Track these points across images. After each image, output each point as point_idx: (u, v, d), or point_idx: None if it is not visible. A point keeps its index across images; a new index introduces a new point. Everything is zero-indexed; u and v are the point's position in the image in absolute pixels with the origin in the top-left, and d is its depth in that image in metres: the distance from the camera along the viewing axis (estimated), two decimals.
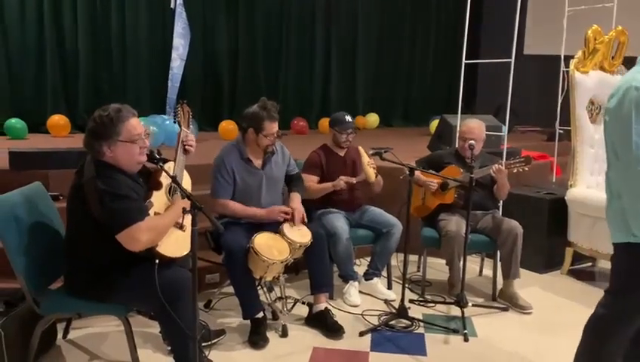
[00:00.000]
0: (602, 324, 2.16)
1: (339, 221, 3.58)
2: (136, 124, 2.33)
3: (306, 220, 3.26)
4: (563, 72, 4.86)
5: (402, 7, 9.69)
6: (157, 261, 2.27)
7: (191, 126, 2.96)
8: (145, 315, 3.14)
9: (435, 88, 10.22)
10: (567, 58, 4.47)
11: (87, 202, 2.23)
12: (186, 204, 2.05)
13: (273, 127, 3.17)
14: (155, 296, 2.19)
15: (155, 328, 2.90)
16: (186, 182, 2.68)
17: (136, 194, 2.31)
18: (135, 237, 2.19)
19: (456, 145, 3.93)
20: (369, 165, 3.53)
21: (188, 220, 2.34)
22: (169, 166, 2.55)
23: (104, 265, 2.31)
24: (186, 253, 2.40)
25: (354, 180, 3.56)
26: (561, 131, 5.11)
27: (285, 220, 3.18)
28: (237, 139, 3.34)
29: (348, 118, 3.74)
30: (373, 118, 8.95)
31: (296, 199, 3.32)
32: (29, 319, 2.44)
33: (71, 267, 2.39)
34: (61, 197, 3.46)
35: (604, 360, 2.14)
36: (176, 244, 2.40)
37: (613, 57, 4.35)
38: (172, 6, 6.23)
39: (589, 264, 4.52)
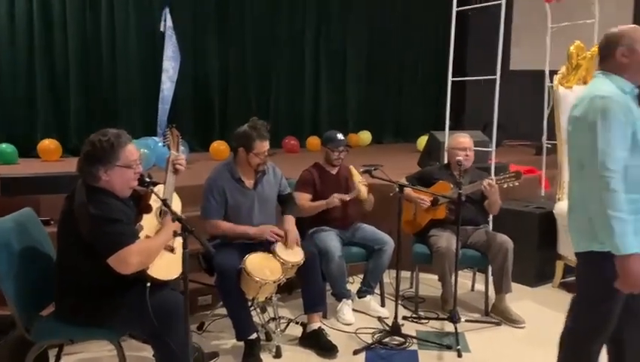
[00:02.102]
0: (574, 338, 2.18)
1: (331, 239, 3.60)
2: (133, 150, 2.36)
3: (299, 243, 3.26)
4: (548, 87, 4.94)
5: (390, 26, 9.82)
6: (148, 284, 2.27)
7: (181, 148, 2.98)
8: (138, 339, 3.11)
9: (425, 105, 10.31)
10: (552, 73, 4.56)
11: (78, 227, 2.23)
12: (177, 226, 2.06)
13: (263, 145, 3.19)
14: (147, 319, 2.19)
15: (148, 352, 2.87)
16: (176, 205, 2.69)
17: (127, 218, 2.32)
18: (126, 260, 2.20)
19: (445, 161, 3.96)
20: (360, 183, 3.56)
21: (179, 242, 2.35)
22: (159, 189, 2.56)
23: (95, 290, 2.30)
24: (177, 275, 2.41)
25: (347, 197, 3.59)
26: (549, 145, 5.17)
27: (277, 241, 3.19)
28: (228, 160, 3.37)
29: (340, 136, 3.78)
30: (365, 136, 9.01)
31: (289, 221, 3.32)
32: (20, 346, 2.42)
33: (62, 292, 2.38)
34: (52, 222, 3.44)
35: None
36: (167, 267, 2.40)
37: None
38: (162, 29, 6.29)
39: None
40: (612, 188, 1.91)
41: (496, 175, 3.80)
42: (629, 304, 2.13)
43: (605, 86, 2.06)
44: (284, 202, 3.47)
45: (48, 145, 5.98)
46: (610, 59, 2.11)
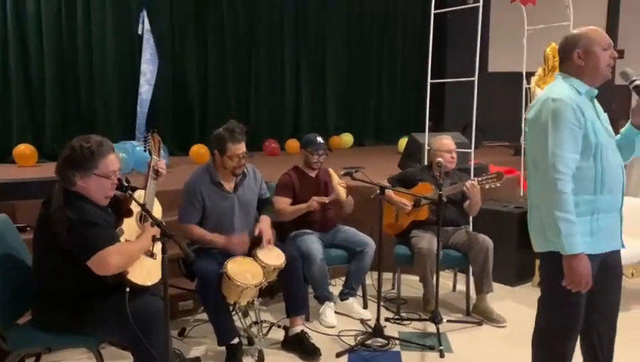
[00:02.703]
0: (546, 337, 2.21)
1: (312, 242, 3.59)
2: (114, 160, 2.33)
3: (272, 242, 3.24)
4: (525, 88, 5.01)
5: (369, 28, 9.87)
6: (128, 289, 2.24)
7: (162, 152, 2.95)
8: (117, 346, 3.06)
9: (405, 107, 10.39)
10: (529, 75, 4.62)
11: (56, 232, 2.20)
12: (157, 231, 2.04)
13: (237, 148, 3.14)
14: (127, 325, 2.16)
15: (128, 359, 2.82)
16: (157, 210, 2.66)
17: (106, 223, 2.30)
18: (105, 261, 2.17)
19: (427, 162, 3.99)
20: (339, 185, 3.56)
21: (159, 248, 2.32)
22: (139, 194, 2.53)
23: (73, 296, 2.26)
24: (157, 280, 2.38)
25: (326, 200, 3.59)
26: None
27: (255, 245, 3.16)
28: (208, 163, 3.34)
29: (319, 139, 3.77)
30: (346, 138, 9.04)
31: (265, 221, 3.30)
32: None
33: (39, 300, 2.33)
34: (28, 229, 3.38)
35: None
36: (147, 272, 2.37)
37: None
38: (139, 32, 6.23)
39: None
40: (560, 190, 1.95)
41: (476, 176, 3.83)
42: (596, 301, 2.17)
43: (559, 88, 2.08)
44: (261, 206, 3.44)
45: (24, 150, 5.88)
46: (568, 62, 2.13)
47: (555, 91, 2.05)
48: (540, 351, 2.24)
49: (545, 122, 2.00)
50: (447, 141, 3.84)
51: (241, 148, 3.15)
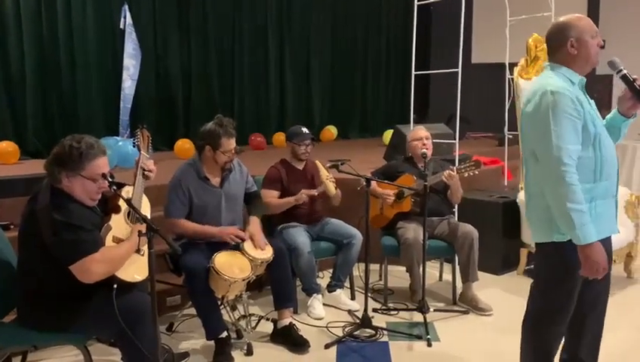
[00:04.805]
0: (537, 320, 2.25)
1: (300, 235, 3.59)
2: (102, 164, 2.31)
3: (266, 242, 3.23)
4: (508, 79, 5.05)
5: (354, 21, 9.86)
6: (115, 286, 2.23)
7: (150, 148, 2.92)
8: (105, 342, 3.06)
9: (390, 99, 10.41)
10: (512, 66, 4.66)
11: (40, 230, 2.18)
12: (142, 227, 2.03)
13: (230, 143, 3.16)
14: (115, 321, 2.15)
15: (116, 355, 2.82)
16: (145, 206, 2.64)
17: (91, 225, 2.28)
18: (88, 270, 2.16)
19: (408, 154, 4.01)
20: (328, 179, 3.57)
21: (146, 243, 2.31)
22: (127, 190, 2.51)
23: (59, 294, 2.24)
24: (145, 276, 2.37)
25: (315, 192, 3.59)
26: (510, 136, 5.30)
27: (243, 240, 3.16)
28: (193, 158, 3.32)
29: (304, 129, 3.78)
30: (332, 131, 9.06)
31: (255, 223, 3.27)
32: None
33: (24, 297, 2.31)
34: (12, 226, 3.35)
35: (545, 354, 2.24)
36: (134, 268, 2.36)
37: None
38: (121, 26, 6.16)
39: None
40: (568, 182, 1.97)
41: (458, 165, 3.87)
42: (585, 296, 2.21)
43: (554, 80, 2.08)
44: (250, 201, 3.44)
45: (5, 147, 5.79)
46: (561, 50, 2.13)
47: (551, 83, 2.06)
48: (530, 333, 2.28)
49: (545, 115, 2.01)
50: (418, 130, 3.93)
51: (234, 143, 3.18)
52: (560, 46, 2.13)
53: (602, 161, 2.08)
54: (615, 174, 2.16)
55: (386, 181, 3.73)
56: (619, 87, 2.23)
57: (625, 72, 2.14)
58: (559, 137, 1.98)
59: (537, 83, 2.15)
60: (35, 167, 3.75)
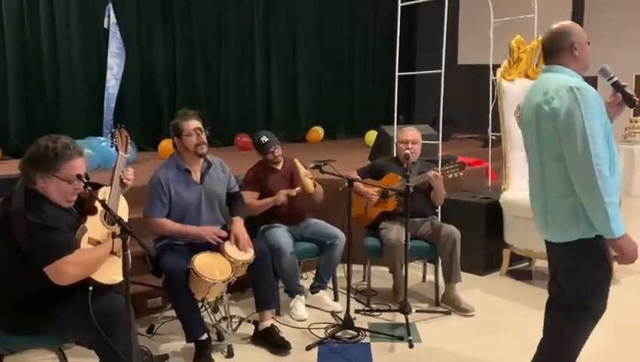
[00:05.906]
0: (583, 319, 2.24)
1: (282, 236, 3.58)
2: (78, 165, 2.27)
3: (251, 245, 3.20)
4: (492, 80, 5.07)
5: (340, 22, 9.87)
6: (91, 288, 2.20)
7: (130, 148, 2.89)
8: (84, 344, 3.01)
9: (377, 100, 10.43)
10: (496, 67, 4.68)
11: (14, 233, 2.14)
12: (117, 229, 2.00)
13: (190, 124, 3.16)
14: (90, 324, 2.12)
15: (93, 358, 2.78)
16: (123, 208, 2.60)
17: (67, 226, 2.25)
18: (62, 271, 2.13)
19: (395, 153, 4.02)
20: (306, 176, 3.56)
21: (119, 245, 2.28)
22: (104, 190, 2.48)
23: (34, 296, 2.21)
24: (121, 278, 2.33)
25: (293, 192, 3.57)
26: (494, 137, 5.32)
27: (225, 239, 3.14)
28: (173, 154, 3.30)
29: (264, 138, 3.76)
30: (318, 132, 9.06)
31: (238, 223, 3.24)
32: None
33: None
34: None
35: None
36: (112, 270, 2.33)
37: (536, 65, 4.58)
38: (105, 26, 6.10)
39: (526, 264, 4.69)
40: (605, 175, 2.00)
41: (442, 166, 3.87)
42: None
43: (571, 78, 2.13)
44: (232, 201, 3.41)
45: None
46: (566, 53, 2.19)
47: (570, 81, 2.10)
48: (562, 343, 2.28)
49: (574, 111, 2.02)
50: (406, 132, 3.91)
51: (195, 123, 3.18)
52: (565, 48, 2.19)
53: (613, 156, 2.12)
54: (620, 170, 2.22)
55: (369, 181, 3.72)
56: (606, 92, 2.27)
57: (616, 79, 2.21)
58: (593, 133, 2.01)
59: (555, 83, 2.13)
60: (17, 167, 3.68)
